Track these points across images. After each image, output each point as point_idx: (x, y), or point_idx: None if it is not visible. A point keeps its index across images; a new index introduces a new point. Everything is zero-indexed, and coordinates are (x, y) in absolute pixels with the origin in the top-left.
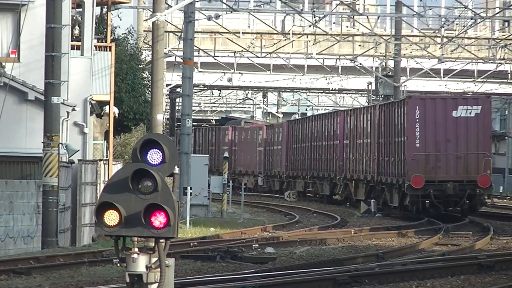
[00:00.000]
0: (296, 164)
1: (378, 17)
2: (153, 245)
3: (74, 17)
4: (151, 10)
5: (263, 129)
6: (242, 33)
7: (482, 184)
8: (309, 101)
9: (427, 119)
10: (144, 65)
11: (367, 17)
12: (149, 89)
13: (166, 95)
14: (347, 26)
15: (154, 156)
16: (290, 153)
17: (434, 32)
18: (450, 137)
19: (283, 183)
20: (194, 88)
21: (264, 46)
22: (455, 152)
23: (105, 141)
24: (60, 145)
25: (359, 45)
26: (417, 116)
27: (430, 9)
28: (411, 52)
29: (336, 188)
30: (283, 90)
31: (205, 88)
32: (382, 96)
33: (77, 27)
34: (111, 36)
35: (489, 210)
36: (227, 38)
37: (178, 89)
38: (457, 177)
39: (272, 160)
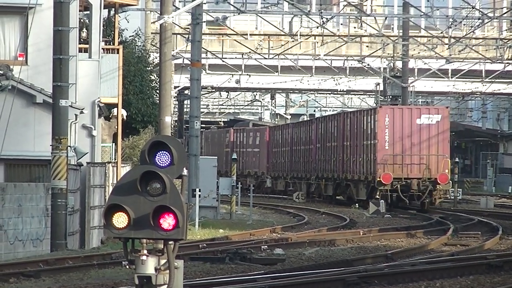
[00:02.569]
0: (278, 166)
1: (386, 18)
2: (162, 247)
3: (82, 20)
4: (159, 12)
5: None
6: (250, 34)
7: (442, 181)
8: (317, 102)
9: (395, 125)
10: (152, 67)
11: (375, 18)
12: (157, 91)
13: (174, 97)
14: (355, 27)
15: (162, 158)
16: (271, 156)
17: (441, 33)
18: (414, 141)
19: (263, 183)
20: (202, 90)
21: (271, 47)
22: (418, 153)
23: (114, 144)
24: (69, 147)
25: (367, 46)
26: (387, 122)
27: (438, 10)
28: (418, 53)
29: (311, 186)
30: (291, 91)
31: (213, 90)
32: (390, 96)
33: (84, 29)
34: (118, 39)
35: (497, 210)
36: (235, 40)
37: (186, 91)
38: (420, 175)
39: (254, 161)
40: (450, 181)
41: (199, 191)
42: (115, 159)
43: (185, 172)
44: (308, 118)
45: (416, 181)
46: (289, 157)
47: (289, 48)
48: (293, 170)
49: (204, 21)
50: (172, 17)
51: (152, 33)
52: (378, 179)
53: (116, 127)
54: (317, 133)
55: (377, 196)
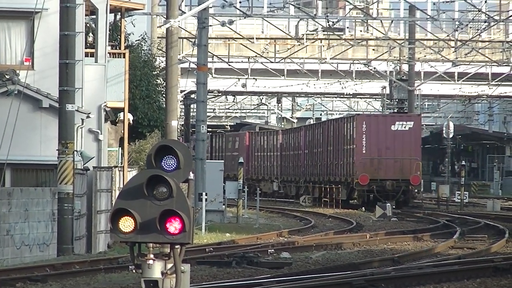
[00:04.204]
0: (264, 169)
1: (392, 21)
2: (169, 251)
3: (88, 24)
4: (165, 16)
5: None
6: (256, 38)
7: (414, 182)
8: (323, 106)
9: (372, 131)
10: (158, 72)
11: (381, 21)
12: (164, 95)
13: (180, 101)
14: (361, 31)
15: (168, 162)
16: (252, 160)
17: (448, 36)
18: (389, 145)
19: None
20: (209, 94)
21: (278, 51)
22: (393, 157)
23: (120, 148)
24: (75, 152)
25: (373, 49)
26: (364, 129)
27: (444, 13)
28: (425, 56)
29: (301, 189)
30: (297, 95)
31: (220, 94)
32: (397, 100)
33: (90, 34)
34: (125, 43)
35: (504, 213)
36: (241, 43)
37: (192, 95)
38: (394, 176)
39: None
40: (422, 182)
41: (206, 195)
42: (121, 164)
43: (191, 176)
44: (314, 122)
45: (390, 182)
46: (279, 161)
47: (295, 52)
48: (283, 174)
49: (211, 25)
50: (178, 21)
51: (158, 37)
52: (356, 180)
53: (123, 131)
54: (305, 140)
55: (355, 196)
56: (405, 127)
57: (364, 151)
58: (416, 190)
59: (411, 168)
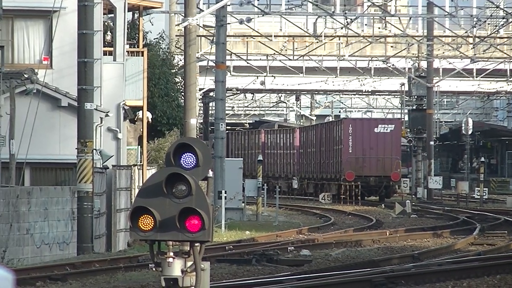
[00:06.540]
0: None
1: (410, 18)
2: (188, 249)
3: (106, 23)
4: (183, 14)
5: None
6: (274, 36)
7: (394, 179)
8: (342, 103)
9: (357, 133)
10: (176, 70)
11: (399, 18)
12: (182, 93)
13: (199, 100)
14: (379, 28)
15: (187, 160)
16: (266, 158)
17: (466, 32)
18: (373, 146)
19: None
20: (227, 92)
21: (296, 48)
22: (375, 156)
23: (139, 146)
24: (94, 151)
25: (391, 46)
26: (350, 131)
27: (462, 9)
28: (443, 53)
29: (297, 185)
30: (316, 92)
31: (238, 92)
32: (415, 97)
33: (109, 32)
34: (143, 41)
35: None
36: (259, 41)
37: (211, 93)
38: (377, 173)
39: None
40: (401, 178)
41: (225, 193)
42: (140, 162)
43: (210, 174)
44: (333, 119)
45: (373, 178)
46: (295, 159)
47: (313, 49)
48: (300, 171)
49: (229, 23)
50: (197, 19)
51: (176, 35)
52: (343, 177)
53: (141, 129)
54: (300, 140)
55: (342, 191)
56: (386, 130)
57: (350, 151)
58: (396, 186)
59: (391, 166)
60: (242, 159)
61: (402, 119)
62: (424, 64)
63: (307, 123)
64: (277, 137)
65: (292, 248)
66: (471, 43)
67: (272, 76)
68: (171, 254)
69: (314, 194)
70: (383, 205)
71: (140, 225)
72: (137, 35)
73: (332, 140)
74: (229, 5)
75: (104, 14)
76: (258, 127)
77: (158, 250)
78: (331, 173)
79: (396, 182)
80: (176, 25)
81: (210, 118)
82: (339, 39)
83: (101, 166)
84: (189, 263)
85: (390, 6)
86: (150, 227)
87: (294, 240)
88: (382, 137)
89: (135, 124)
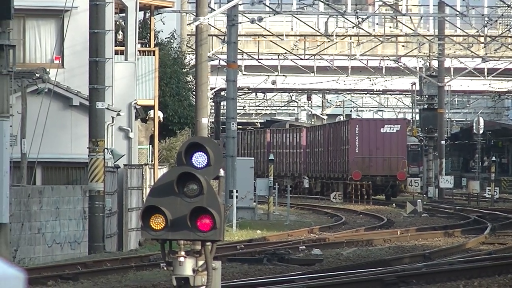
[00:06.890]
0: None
1: (421, 18)
2: (200, 248)
3: (118, 22)
4: (194, 14)
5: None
6: (286, 35)
7: (400, 178)
8: (353, 102)
9: (363, 133)
10: (188, 69)
11: (410, 17)
12: (194, 93)
13: (210, 99)
14: (390, 27)
15: (199, 159)
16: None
17: (477, 32)
18: (379, 145)
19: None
20: (238, 91)
21: (307, 48)
22: (382, 156)
23: (150, 146)
24: (106, 150)
25: (403, 46)
26: (357, 131)
27: (473, 9)
28: (454, 52)
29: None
30: (327, 91)
31: (249, 91)
32: (427, 96)
33: (120, 32)
34: (154, 41)
35: None
36: (271, 40)
37: (222, 93)
38: (383, 173)
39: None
40: (407, 177)
41: (236, 192)
42: (152, 161)
43: (221, 173)
44: (345, 119)
45: (380, 178)
46: (302, 158)
47: (325, 49)
48: (308, 171)
49: (240, 22)
50: (208, 18)
51: (188, 34)
52: (350, 176)
53: (153, 129)
54: (306, 140)
55: (349, 190)
56: (392, 130)
57: (357, 151)
58: (402, 185)
59: (398, 165)
60: (253, 158)
61: (408, 119)
62: (435, 64)
63: (318, 123)
64: (283, 137)
65: (303, 247)
66: (482, 43)
67: (284, 75)
68: (183, 253)
69: (320, 193)
70: (394, 204)
71: (152, 224)
72: (148, 34)
73: (339, 140)
74: (240, 5)
75: (115, 13)
76: (269, 127)
77: (170, 249)
78: (338, 172)
79: (402, 182)
80: (187, 24)
81: (221, 117)
82: (350, 39)
83: (113, 165)
84: (200, 262)
85: (401, 5)
86: (162, 226)
87: (305, 239)
88: (388, 137)
89: (147, 123)
